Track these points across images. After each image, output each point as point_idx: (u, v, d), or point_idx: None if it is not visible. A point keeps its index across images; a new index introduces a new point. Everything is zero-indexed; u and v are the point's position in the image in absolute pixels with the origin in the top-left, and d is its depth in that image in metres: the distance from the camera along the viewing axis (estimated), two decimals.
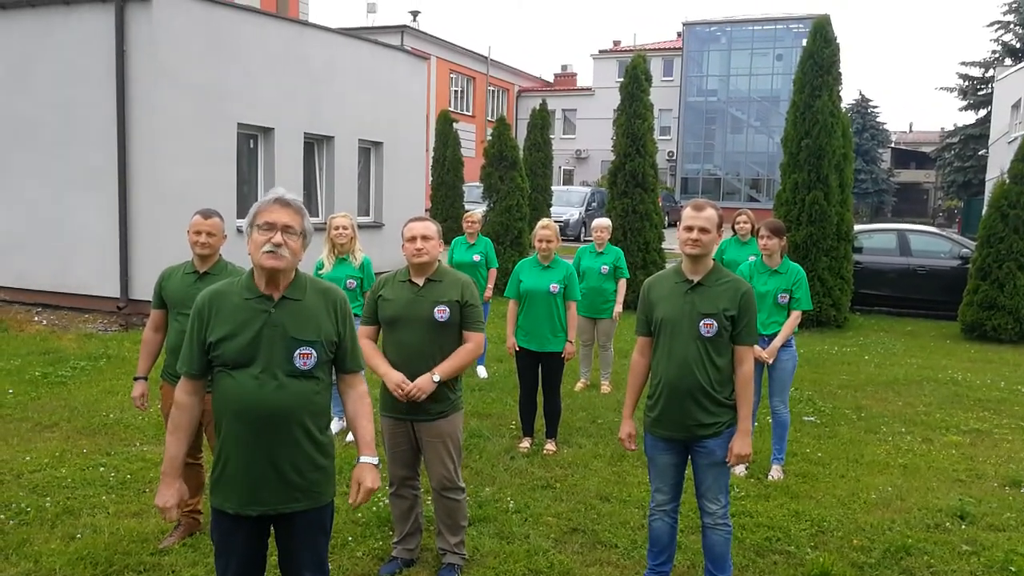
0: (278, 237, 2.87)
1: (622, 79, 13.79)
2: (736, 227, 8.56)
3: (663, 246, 13.68)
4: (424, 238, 4.11)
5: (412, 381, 4.09)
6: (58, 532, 4.71)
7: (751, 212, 8.75)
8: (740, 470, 5.92)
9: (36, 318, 11.23)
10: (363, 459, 3.07)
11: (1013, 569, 4.50)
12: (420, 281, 4.18)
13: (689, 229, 3.73)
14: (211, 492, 3.01)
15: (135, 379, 4.76)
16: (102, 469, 5.72)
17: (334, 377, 3.16)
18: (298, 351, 2.91)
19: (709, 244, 3.75)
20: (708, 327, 3.74)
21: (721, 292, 3.78)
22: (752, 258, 6.60)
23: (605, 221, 8.44)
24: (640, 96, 13.29)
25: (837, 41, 12.24)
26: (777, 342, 5.88)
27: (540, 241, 6.40)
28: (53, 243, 11.58)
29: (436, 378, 4.08)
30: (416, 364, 4.12)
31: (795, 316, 5.97)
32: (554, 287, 6.32)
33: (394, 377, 4.09)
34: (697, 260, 3.80)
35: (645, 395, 4.06)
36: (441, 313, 4.11)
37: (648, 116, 13.35)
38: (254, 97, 12.51)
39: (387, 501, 4.70)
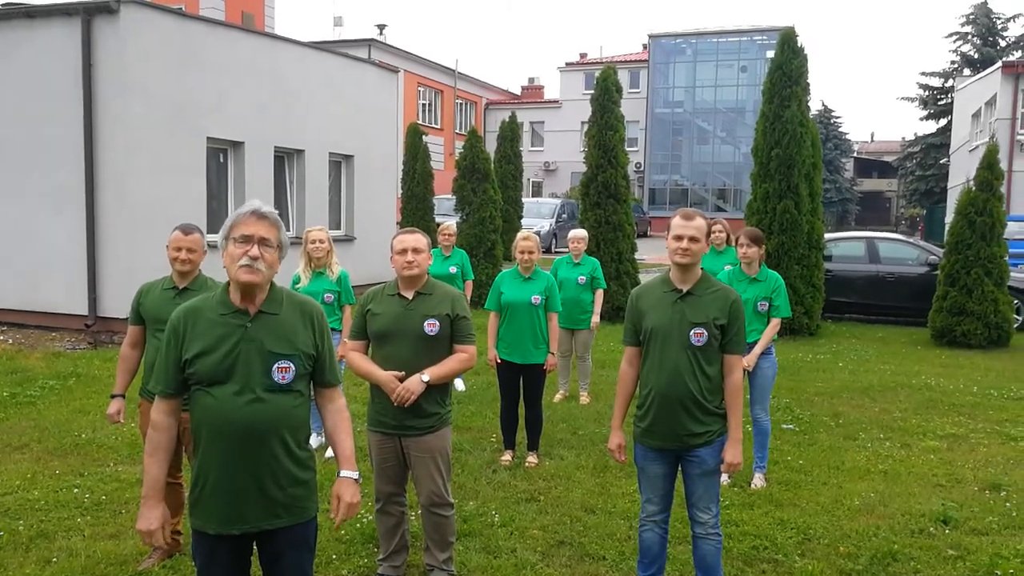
0: (254, 250, 2.83)
1: (589, 91, 13.85)
2: (711, 236, 8.57)
3: (635, 256, 13.73)
4: (415, 251, 4.07)
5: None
6: (33, 556, 4.60)
7: (725, 222, 8.79)
8: (724, 479, 5.91)
9: (2, 337, 10.99)
10: (343, 473, 3.03)
11: (999, 573, 4.54)
12: (409, 294, 4.14)
13: (679, 238, 3.72)
14: (191, 513, 2.95)
15: (112, 396, 4.65)
16: (76, 490, 5.58)
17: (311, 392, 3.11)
18: (276, 365, 2.87)
19: (698, 253, 3.75)
20: (698, 336, 3.73)
21: (711, 301, 3.78)
22: (728, 267, 6.63)
23: (582, 232, 8.45)
24: (611, 108, 13.35)
25: (805, 52, 12.41)
26: (757, 349, 5.90)
27: (522, 253, 6.37)
28: (20, 261, 11.37)
29: (425, 378, 4.03)
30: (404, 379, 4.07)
31: (775, 324, 6.00)
32: (536, 299, 6.29)
33: (385, 376, 4.04)
34: (687, 269, 3.79)
35: (634, 405, 4.04)
36: (431, 327, 4.06)
37: (619, 127, 13.42)
38: (224, 111, 12.39)
39: (372, 517, 4.63)
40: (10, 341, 10.83)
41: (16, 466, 6.10)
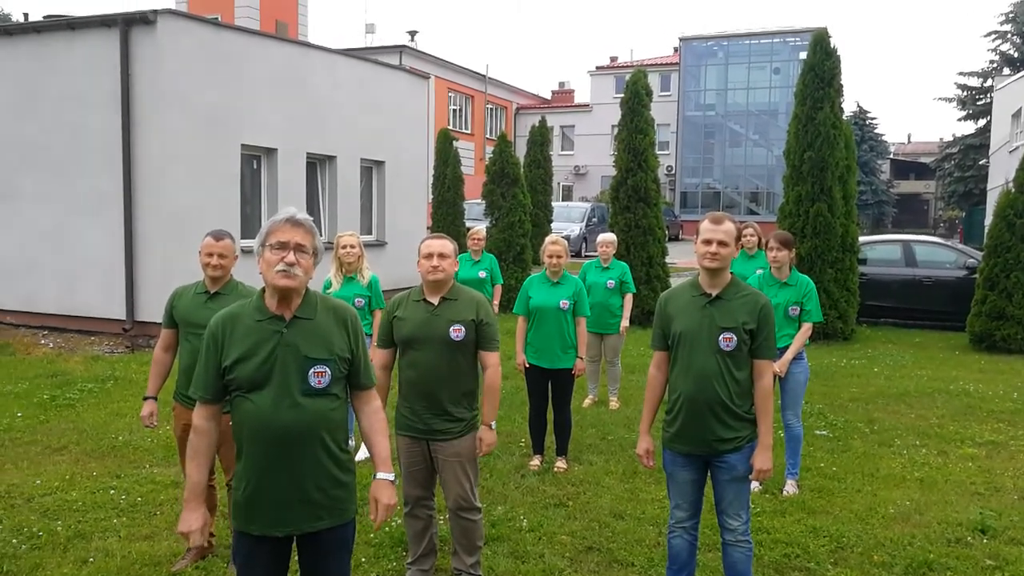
0: (291, 256, 2.87)
1: (620, 95, 13.80)
2: (742, 240, 8.51)
3: (666, 260, 13.65)
4: (441, 256, 4.08)
5: (426, 401, 4.11)
6: (70, 556, 4.68)
7: (757, 225, 8.69)
8: (755, 485, 5.86)
9: (43, 341, 11.23)
10: (379, 475, 3.06)
11: None
12: (435, 300, 4.16)
13: (708, 242, 3.70)
14: (234, 515, 2.99)
15: (145, 399, 4.72)
16: (112, 492, 5.68)
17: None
18: (312, 370, 2.90)
19: (727, 257, 3.72)
20: (727, 341, 3.70)
21: (740, 305, 3.74)
22: (759, 271, 6.56)
23: (611, 236, 8.42)
24: (641, 111, 13.31)
25: (838, 53, 12.27)
26: (789, 355, 5.82)
27: (550, 257, 6.36)
28: (59, 266, 11.60)
29: (493, 425, 4.25)
30: (431, 384, 4.10)
31: (806, 328, 5.93)
32: (564, 303, 6.28)
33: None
34: (715, 273, 3.76)
35: (662, 410, 4.02)
36: (457, 332, 4.08)
37: (649, 131, 13.37)
38: (257, 118, 12.54)
39: (400, 521, 4.65)
40: (51, 345, 11.06)
41: (55, 467, 6.23)
